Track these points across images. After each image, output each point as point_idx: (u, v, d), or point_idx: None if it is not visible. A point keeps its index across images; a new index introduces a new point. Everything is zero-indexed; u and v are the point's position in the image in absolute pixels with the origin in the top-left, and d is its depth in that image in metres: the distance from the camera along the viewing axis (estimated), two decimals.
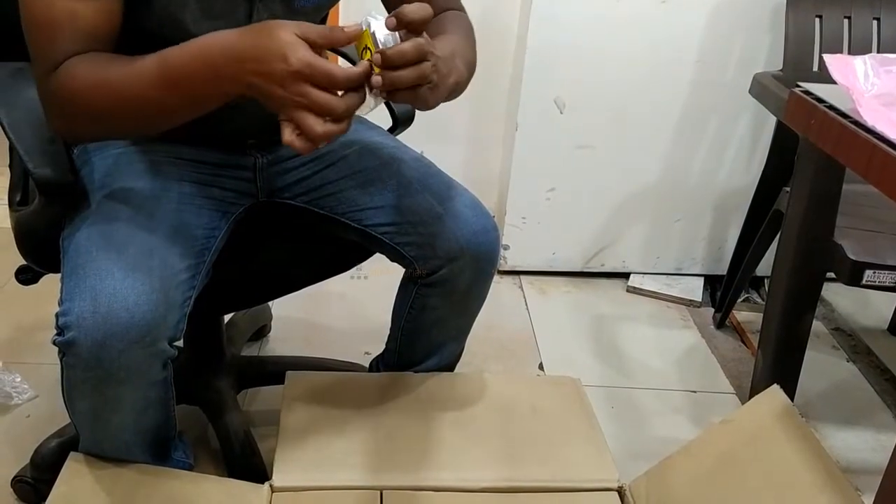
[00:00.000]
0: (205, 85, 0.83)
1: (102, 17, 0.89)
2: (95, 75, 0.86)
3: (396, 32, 0.81)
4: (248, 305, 1.51)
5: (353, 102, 0.81)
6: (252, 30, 0.82)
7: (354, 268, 1.27)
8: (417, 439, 1.19)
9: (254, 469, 1.27)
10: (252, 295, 1.26)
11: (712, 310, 1.99)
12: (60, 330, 0.89)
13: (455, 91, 0.94)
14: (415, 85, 0.82)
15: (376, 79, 0.80)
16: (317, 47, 0.79)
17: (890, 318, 1.96)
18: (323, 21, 1.12)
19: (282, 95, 0.79)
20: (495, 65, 1.99)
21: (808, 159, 1.30)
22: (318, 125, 0.79)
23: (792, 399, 1.14)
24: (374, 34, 0.81)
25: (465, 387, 1.30)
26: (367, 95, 0.82)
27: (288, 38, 0.78)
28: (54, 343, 0.90)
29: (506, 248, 2.06)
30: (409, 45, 0.81)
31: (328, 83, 0.78)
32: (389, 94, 0.83)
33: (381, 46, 0.80)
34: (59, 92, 0.87)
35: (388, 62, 0.80)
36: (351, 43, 0.82)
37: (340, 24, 0.85)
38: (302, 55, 0.78)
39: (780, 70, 1.65)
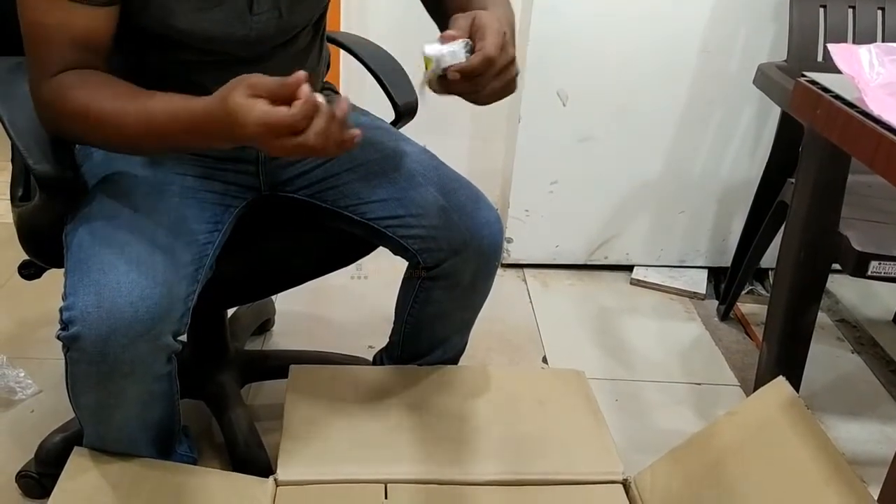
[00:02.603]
0: (189, 143, 0.89)
1: (97, 25, 0.90)
2: (86, 105, 0.88)
3: (456, 44, 0.85)
4: (251, 299, 1.51)
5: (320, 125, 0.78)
6: (216, 100, 0.81)
7: (354, 268, 1.27)
8: (421, 433, 1.19)
9: (258, 463, 1.27)
10: (255, 289, 1.25)
11: (716, 302, 1.99)
12: (64, 324, 0.89)
13: None
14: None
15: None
16: (277, 98, 0.78)
17: (895, 309, 1.95)
18: (325, 7, 1.11)
19: (267, 148, 0.80)
20: None
21: (813, 150, 1.30)
22: (320, 148, 0.79)
23: (797, 391, 1.14)
24: (435, 59, 0.85)
25: (469, 380, 1.30)
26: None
27: (240, 102, 0.78)
28: (58, 338, 0.90)
29: (509, 241, 2.06)
30: (484, 61, 0.85)
31: (291, 131, 0.77)
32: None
33: (448, 64, 0.85)
34: (50, 105, 0.91)
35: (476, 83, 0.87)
36: (300, 86, 0.78)
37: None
38: (255, 117, 0.77)
39: (785, 61, 1.64)
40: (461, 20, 0.88)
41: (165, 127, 0.86)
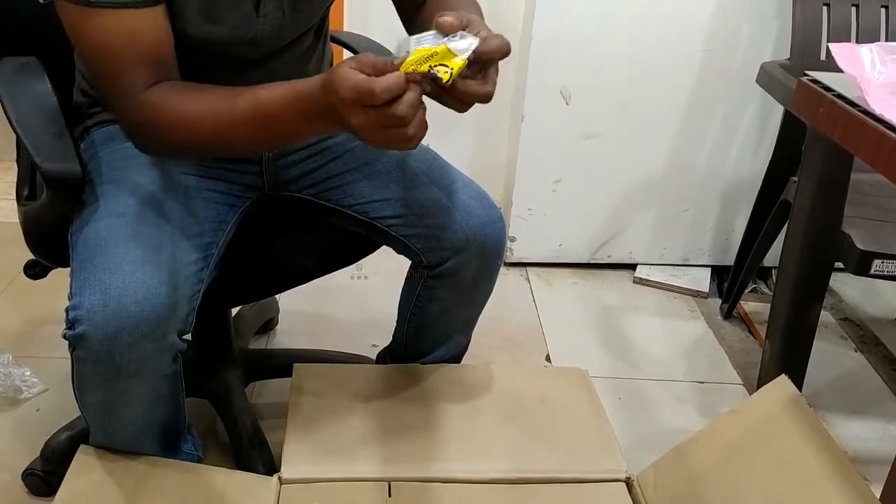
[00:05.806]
0: (295, 129, 0.87)
1: (158, 31, 0.90)
2: (186, 113, 0.89)
3: (467, 39, 0.80)
4: (255, 298, 1.52)
5: (412, 98, 0.78)
6: (323, 75, 0.82)
7: (355, 268, 1.27)
8: (425, 431, 1.19)
9: (262, 461, 1.28)
10: (259, 288, 1.26)
11: (719, 300, 1.99)
12: (70, 324, 0.90)
13: None
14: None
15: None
16: (379, 73, 0.78)
17: None
18: (327, 10, 1.11)
19: (356, 124, 0.79)
20: None
21: (815, 148, 1.30)
22: (403, 134, 0.78)
23: (800, 389, 1.14)
24: (457, 50, 0.79)
25: (473, 378, 1.30)
26: None
27: (342, 71, 0.78)
28: (64, 337, 0.91)
29: (512, 239, 2.06)
30: (502, 45, 0.83)
31: (371, 100, 0.76)
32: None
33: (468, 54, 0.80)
34: (147, 123, 0.90)
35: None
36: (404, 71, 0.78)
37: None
38: (350, 83, 0.76)
39: (788, 59, 1.64)
40: (449, 16, 0.84)
41: (277, 113, 0.85)
